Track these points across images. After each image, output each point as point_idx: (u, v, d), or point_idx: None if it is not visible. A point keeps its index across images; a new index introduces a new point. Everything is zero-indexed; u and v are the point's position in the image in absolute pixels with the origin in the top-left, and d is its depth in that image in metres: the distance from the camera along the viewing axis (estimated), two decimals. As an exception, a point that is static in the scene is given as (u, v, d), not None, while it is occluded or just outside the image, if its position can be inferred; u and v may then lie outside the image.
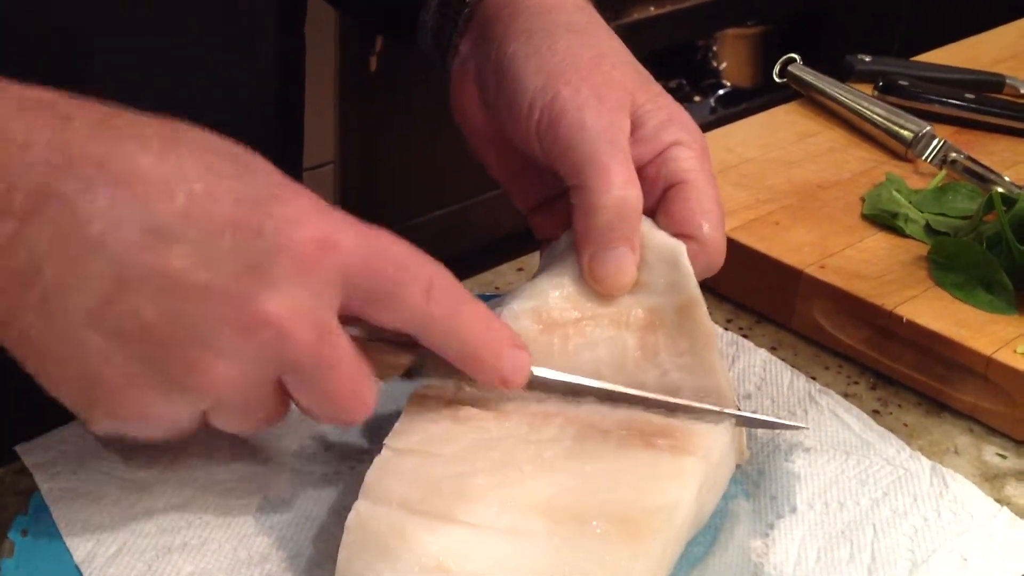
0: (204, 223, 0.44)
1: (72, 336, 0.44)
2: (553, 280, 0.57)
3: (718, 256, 0.57)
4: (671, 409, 0.54)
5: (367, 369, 0.49)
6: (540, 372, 0.53)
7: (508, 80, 0.59)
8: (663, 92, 0.60)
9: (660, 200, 0.57)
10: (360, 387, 0.48)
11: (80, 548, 0.50)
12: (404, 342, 0.51)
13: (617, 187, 0.55)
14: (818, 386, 0.64)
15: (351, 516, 0.48)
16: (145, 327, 0.44)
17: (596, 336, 0.56)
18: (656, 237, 0.56)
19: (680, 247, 0.56)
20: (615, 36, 0.62)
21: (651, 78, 0.60)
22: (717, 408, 0.54)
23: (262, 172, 0.47)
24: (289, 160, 0.82)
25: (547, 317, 0.56)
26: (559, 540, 0.47)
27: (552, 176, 0.59)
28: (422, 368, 0.53)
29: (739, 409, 0.56)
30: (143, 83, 0.63)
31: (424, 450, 0.51)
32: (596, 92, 0.57)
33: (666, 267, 0.56)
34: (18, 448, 0.55)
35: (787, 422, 0.58)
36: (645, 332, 0.55)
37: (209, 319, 0.44)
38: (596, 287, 0.56)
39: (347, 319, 0.48)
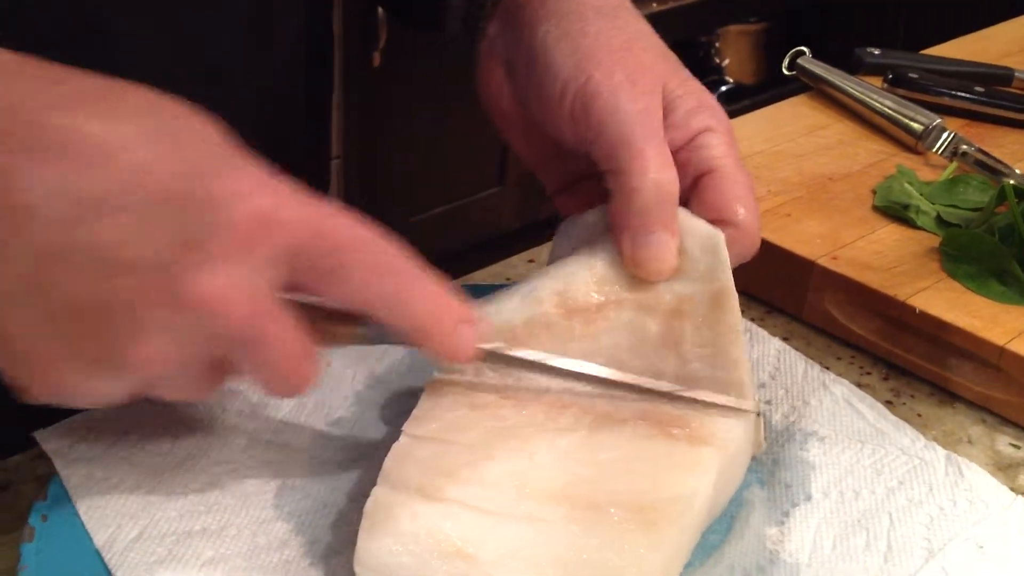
0: (141, 195, 0.42)
1: (1, 310, 0.43)
2: (584, 262, 0.56)
3: (754, 242, 0.57)
4: (647, 391, 0.54)
5: (309, 344, 0.48)
6: (491, 348, 0.53)
7: (539, 63, 0.59)
8: (691, 77, 0.59)
9: (693, 188, 0.57)
10: (300, 363, 0.47)
11: (100, 533, 0.50)
12: (356, 316, 0.50)
13: (653, 170, 0.55)
14: (832, 375, 0.64)
15: (369, 502, 0.48)
16: (76, 303, 0.43)
17: (618, 320, 0.55)
18: (694, 224, 0.56)
19: (719, 235, 0.55)
20: (643, 19, 0.61)
21: (679, 63, 0.60)
22: (681, 389, 0.54)
23: (208, 141, 0.45)
24: (317, 155, 0.82)
25: (572, 302, 0.55)
26: (576, 527, 0.47)
27: (579, 158, 0.58)
28: (383, 334, 0.51)
29: (758, 406, 0.56)
30: (169, 74, 0.63)
31: (441, 437, 0.51)
32: (629, 76, 0.56)
33: (704, 254, 0.55)
34: (36, 434, 0.55)
35: (734, 403, 0.54)
36: (671, 319, 0.55)
37: (142, 296, 0.43)
38: (637, 272, 0.55)
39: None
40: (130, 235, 0.42)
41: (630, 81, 0.56)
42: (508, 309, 0.55)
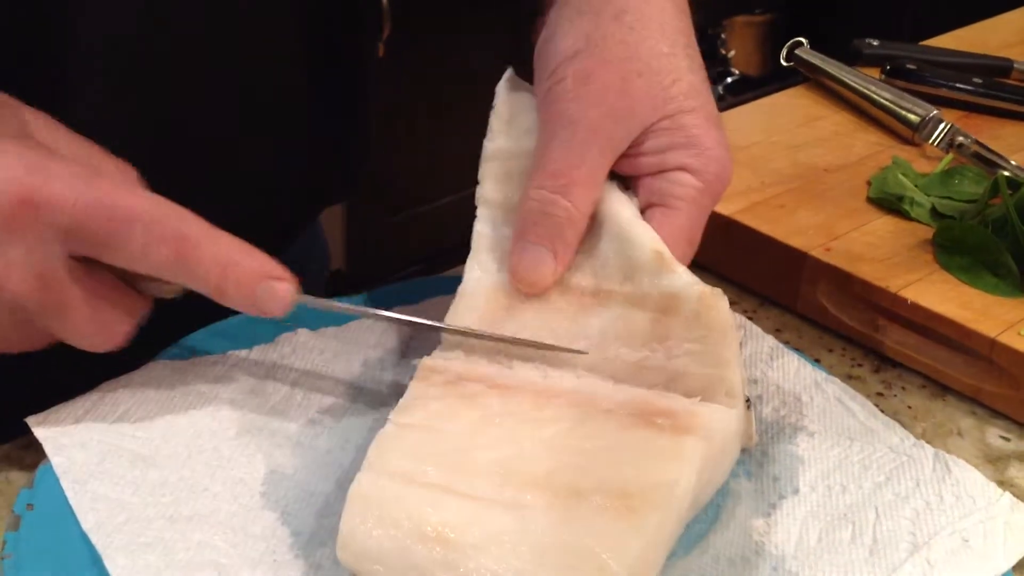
0: None
1: None
2: (584, 244, 0.57)
3: None
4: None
5: (116, 301, 0.52)
6: (308, 300, 0.55)
7: (544, 49, 0.59)
8: (698, 109, 0.57)
9: (643, 212, 0.57)
10: (105, 323, 0.52)
11: (89, 516, 0.51)
12: None
13: (550, 188, 0.55)
14: (824, 374, 0.64)
15: (353, 487, 0.48)
16: None
17: (609, 308, 0.56)
18: None
19: None
20: (673, 37, 0.59)
21: (694, 91, 0.58)
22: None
23: None
24: (356, 156, 0.83)
25: (569, 279, 0.57)
26: (557, 514, 0.48)
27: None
28: None
29: (749, 403, 0.56)
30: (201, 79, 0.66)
31: (427, 425, 0.52)
32: (601, 96, 0.56)
33: None
34: (28, 420, 0.55)
35: (565, 347, 0.55)
36: (661, 314, 0.55)
37: None
38: (512, 280, 0.57)
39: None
40: None
41: (598, 98, 0.56)
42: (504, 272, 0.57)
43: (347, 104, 0.79)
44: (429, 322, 0.57)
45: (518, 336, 0.56)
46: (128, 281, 0.54)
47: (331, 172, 0.81)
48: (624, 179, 0.59)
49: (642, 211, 0.58)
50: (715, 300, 0.54)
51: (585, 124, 0.55)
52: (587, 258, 0.57)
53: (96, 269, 0.51)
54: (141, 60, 0.63)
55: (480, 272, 0.58)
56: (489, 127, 0.61)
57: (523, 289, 0.56)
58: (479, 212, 0.60)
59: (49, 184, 0.48)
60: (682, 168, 0.57)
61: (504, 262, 0.58)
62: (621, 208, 0.57)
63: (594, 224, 0.57)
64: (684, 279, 0.55)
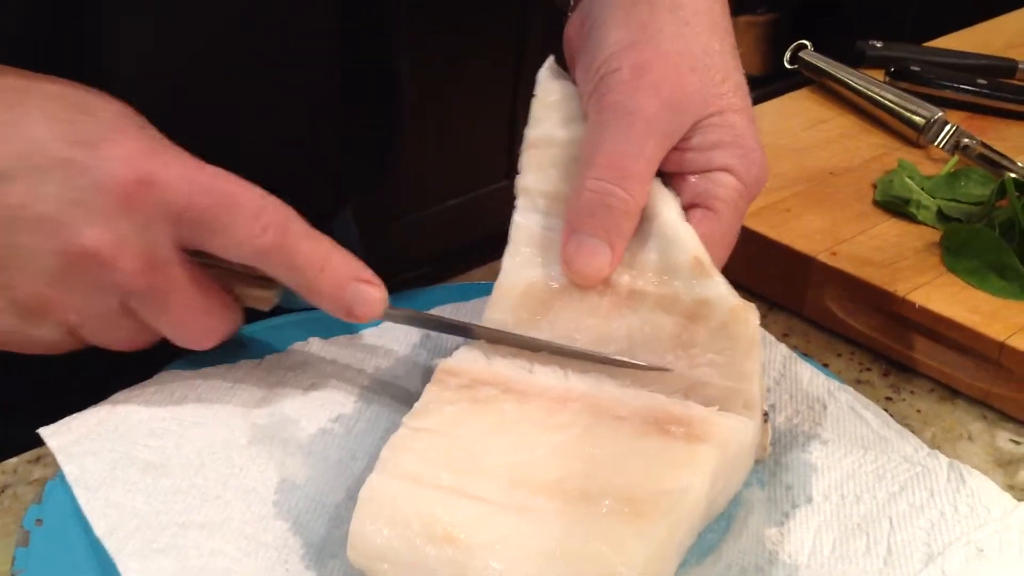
0: (38, 162, 0.49)
1: None
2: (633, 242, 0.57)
3: None
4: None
5: (216, 298, 0.54)
6: (402, 311, 0.57)
7: (592, 35, 0.58)
8: (743, 110, 0.58)
9: (685, 212, 0.57)
10: (204, 316, 0.54)
11: (101, 523, 0.51)
12: (267, 278, 0.55)
13: (609, 179, 0.55)
14: (837, 382, 0.63)
15: (364, 488, 0.49)
16: None
17: (639, 311, 0.56)
18: None
19: None
20: (722, 35, 0.59)
21: (740, 90, 0.58)
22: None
23: (101, 118, 0.51)
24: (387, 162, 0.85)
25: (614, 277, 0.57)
26: (567, 517, 0.48)
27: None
28: (293, 301, 0.57)
29: (766, 416, 0.56)
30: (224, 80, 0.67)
31: (440, 429, 0.52)
32: (657, 87, 0.56)
33: None
34: (41, 431, 0.55)
35: (650, 365, 0.55)
36: (688, 321, 0.55)
37: (41, 250, 0.50)
38: (566, 270, 0.56)
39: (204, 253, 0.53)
40: (29, 198, 0.49)
41: (654, 90, 0.55)
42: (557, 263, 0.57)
43: (380, 93, 0.81)
44: (498, 329, 0.57)
45: (555, 340, 0.56)
46: (226, 290, 0.55)
47: (362, 160, 0.82)
48: (665, 176, 0.58)
49: (684, 210, 0.57)
50: (745, 314, 0.54)
51: (642, 115, 0.55)
52: (628, 255, 0.57)
53: (199, 270, 0.53)
54: (176, 53, 0.65)
55: (518, 265, 0.58)
56: (531, 114, 0.61)
57: (578, 281, 0.56)
58: (519, 202, 0.59)
59: (165, 167, 0.51)
60: (726, 169, 0.57)
61: (543, 254, 0.58)
62: (666, 207, 0.56)
63: (639, 221, 0.57)
64: (720, 289, 0.54)
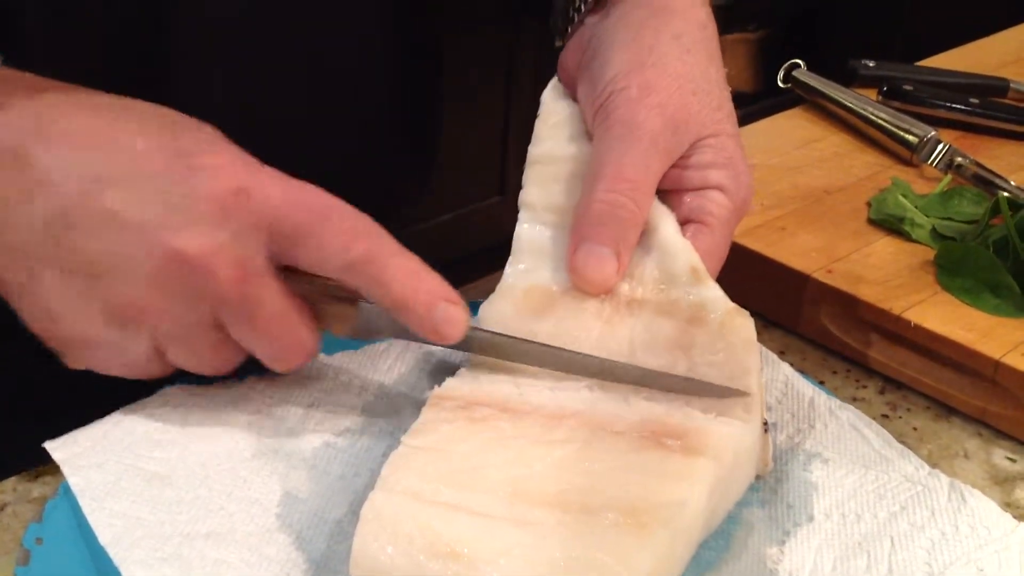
0: (137, 170, 0.50)
1: (31, 271, 0.51)
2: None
3: None
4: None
5: (303, 314, 0.54)
6: (488, 330, 0.56)
7: (597, 59, 0.62)
8: (735, 135, 0.62)
9: (681, 225, 0.60)
10: (293, 330, 0.54)
11: (106, 532, 0.51)
12: (351, 297, 0.55)
13: (618, 191, 0.57)
14: (838, 401, 0.64)
15: (366, 506, 0.49)
16: (88, 262, 0.50)
17: (639, 317, 0.57)
18: None
19: None
20: (717, 64, 0.64)
21: (731, 117, 0.63)
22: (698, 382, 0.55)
23: (198, 136, 0.53)
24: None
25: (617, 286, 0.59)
26: (568, 529, 0.48)
27: None
28: (373, 324, 0.56)
29: (766, 427, 0.56)
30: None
31: (439, 447, 0.52)
32: (663, 107, 0.59)
33: None
34: (47, 444, 0.56)
35: (732, 388, 0.56)
36: (687, 323, 0.57)
37: (138, 254, 0.50)
38: (574, 279, 0.58)
39: (290, 271, 0.54)
40: (128, 203, 0.50)
41: (660, 108, 0.58)
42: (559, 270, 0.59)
43: (428, 102, 0.82)
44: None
45: (557, 341, 0.57)
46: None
47: (406, 171, 0.84)
48: (660, 193, 0.61)
49: (680, 225, 0.60)
50: (740, 315, 0.56)
51: (649, 132, 0.58)
52: (629, 265, 0.59)
53: (288, 286, 0.54)
54: (238, 51, 0.68)
55: (520, 272, 0.60)
56: (535, 133, 0.64)
57: (587, 289, 0.58)
58: (521, 215, 0.62)
59: (260, 178, 0.52)
60: (719, 188, 0.60)
61: (545, 262, 0.60)
62: (664, 221, 0.59)
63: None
64: (717, 293, 0.57)
